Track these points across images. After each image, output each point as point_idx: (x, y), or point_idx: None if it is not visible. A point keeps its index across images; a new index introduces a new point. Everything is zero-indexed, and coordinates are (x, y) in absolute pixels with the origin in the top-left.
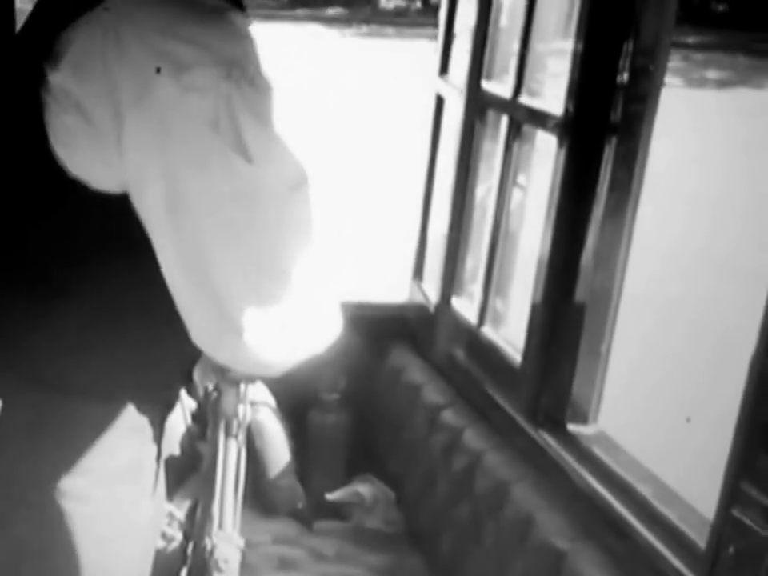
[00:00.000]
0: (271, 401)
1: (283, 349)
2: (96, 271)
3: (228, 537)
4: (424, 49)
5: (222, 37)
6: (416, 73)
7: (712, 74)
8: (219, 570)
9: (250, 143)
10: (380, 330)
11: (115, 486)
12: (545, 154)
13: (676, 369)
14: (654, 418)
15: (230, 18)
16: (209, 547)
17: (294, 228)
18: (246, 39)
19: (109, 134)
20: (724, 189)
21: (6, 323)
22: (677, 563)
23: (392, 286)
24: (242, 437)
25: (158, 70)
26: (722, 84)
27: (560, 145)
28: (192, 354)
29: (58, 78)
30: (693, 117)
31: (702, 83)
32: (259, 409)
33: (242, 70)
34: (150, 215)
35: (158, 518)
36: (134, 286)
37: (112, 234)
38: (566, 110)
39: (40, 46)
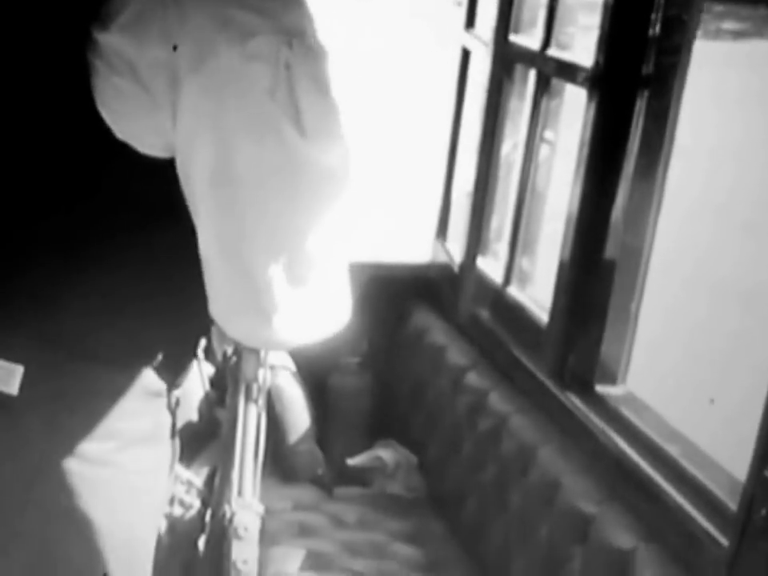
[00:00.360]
0: (291, 365)
1: (299, 330)
2: (133, 242)
3: (248, 504)
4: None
5: (283, 4)
6: (438, 26)
7: (728, 24)
8: (239, 537)
9: (305, 114)
10: (402, 291)
11: (137, 449)
12: (571, 109)
13: (700, 330)
14: (679, 382)
15: None
16: (228, 514)
17: (327, 210)
18: (304, 7)
19: (163, 97)
20: (744, 144)
21: (37, 291)
22: (707, 525)
23: (413, 246)
24: (262, 401)
25: (175, 48)
26: (737, 35)
27: (590, 98)
28: (209, 326)
29: (110, 40)
30: (708, 69)
31: (717, 34)
32: (279, 373)
33: (302, 39)
34: (195, 183)
35: (170, 489)
36: (168, 258)
37: (154, 204)
38: (597, 63)
39: (84, 6)
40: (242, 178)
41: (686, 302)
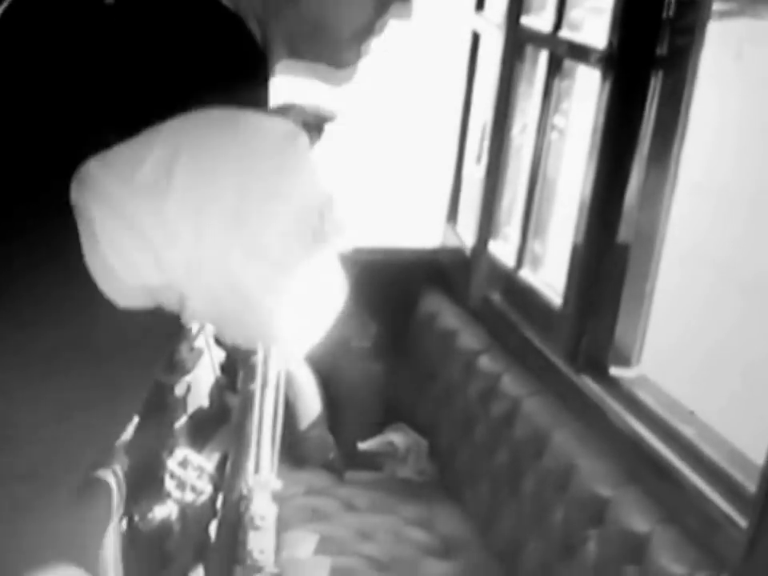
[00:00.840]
0: None
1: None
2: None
3: (265, 482)
4: None
5: (300, 179)
6: (447, 10)
7: (715, 5)
8: (255, 527)
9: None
10: (412, 276)
11: None
12: (581, 93)
13: (704, 313)
14: (683, 366)
15: (300, 145)
16: (244, 492)
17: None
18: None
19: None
20: (747, 124)
21: None
22: (725, 507)
23: (422, 230)
24: (277, 382)
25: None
26: (723, 15)
27: (603, 79)
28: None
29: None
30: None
31: None
32: (289, 358)
33: (320, 212)
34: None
35: None
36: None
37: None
38: (610, 44)
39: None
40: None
41: (688, 280)
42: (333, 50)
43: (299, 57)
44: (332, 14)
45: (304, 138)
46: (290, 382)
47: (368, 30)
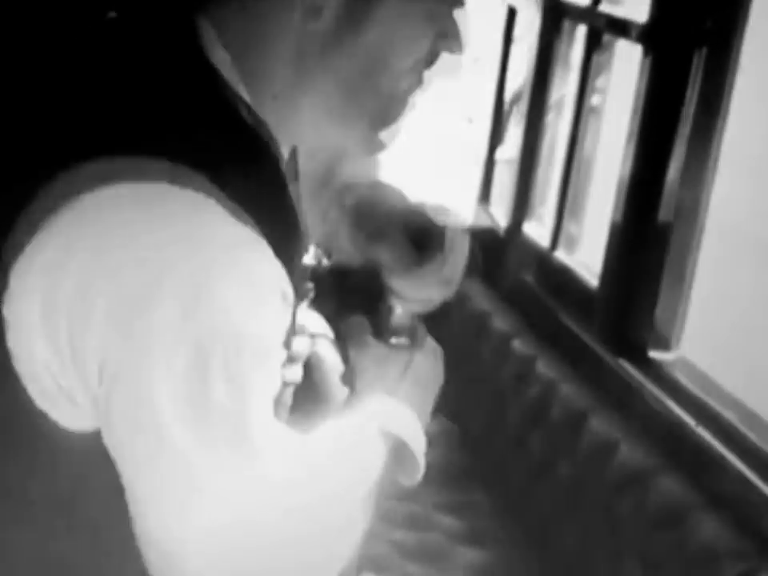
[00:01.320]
0: (329, 332)
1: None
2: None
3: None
4: None
5: (218, 305)
6: None
7: None
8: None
9: None
10: None
11: None
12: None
13: (747, 293)
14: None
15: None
16: None
17: None
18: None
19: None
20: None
21: None
22: None
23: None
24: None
25: None
26: None
27: (645, 55)
28: None
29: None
30: None
31: None
32: (317, 341)
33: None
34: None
35: None
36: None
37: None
38: (653, 18)
39: None
40: None
41: (730, 262)
42: (392, 79)
43: (350, 98)
44: (395, 43)
45: (257, 252)
46: (318, 366)
47: (427, 60)
